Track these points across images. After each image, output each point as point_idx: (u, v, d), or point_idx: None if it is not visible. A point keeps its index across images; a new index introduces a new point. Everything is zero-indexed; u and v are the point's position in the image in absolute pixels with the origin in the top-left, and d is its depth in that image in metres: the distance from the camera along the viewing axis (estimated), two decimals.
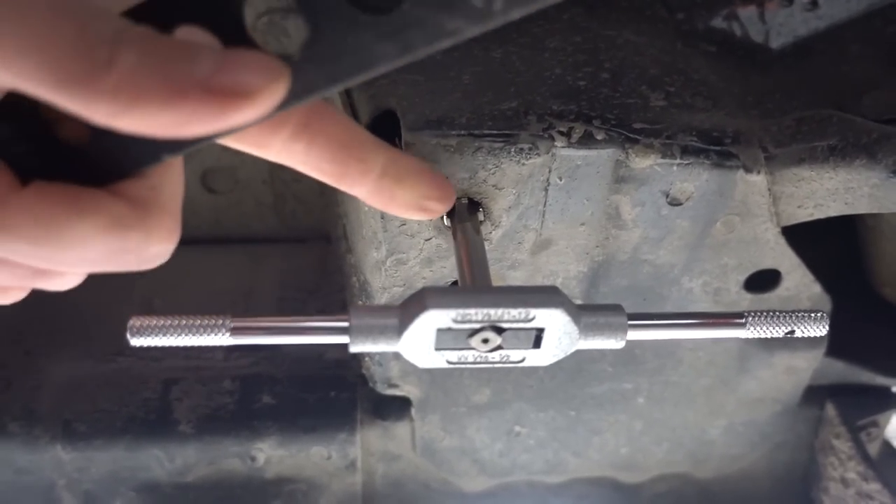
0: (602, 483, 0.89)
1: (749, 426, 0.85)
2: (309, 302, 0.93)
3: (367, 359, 0.77)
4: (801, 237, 0.70)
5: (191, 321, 0.45)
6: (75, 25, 0.28)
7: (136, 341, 0.45)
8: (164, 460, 0.79)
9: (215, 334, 0.45)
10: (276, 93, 0.32)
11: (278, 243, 0.98)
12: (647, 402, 0.81)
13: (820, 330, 0.51)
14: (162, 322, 0.45)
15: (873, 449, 0.89)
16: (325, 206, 0.92)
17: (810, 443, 0.89)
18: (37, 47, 0.27)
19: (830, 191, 0.63)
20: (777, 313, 0.51)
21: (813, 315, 0.51)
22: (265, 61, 0.32)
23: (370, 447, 0.83)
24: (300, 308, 0.91)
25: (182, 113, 0.30)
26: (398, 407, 0.80)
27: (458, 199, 0.60)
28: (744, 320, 0.50)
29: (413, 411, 0.79)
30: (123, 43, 0.29)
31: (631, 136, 0.59)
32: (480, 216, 0.61)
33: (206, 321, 0.45)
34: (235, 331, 0.46)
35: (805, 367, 0.79)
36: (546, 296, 0.46)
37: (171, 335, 0.45)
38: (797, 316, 0.51)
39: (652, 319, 0.50)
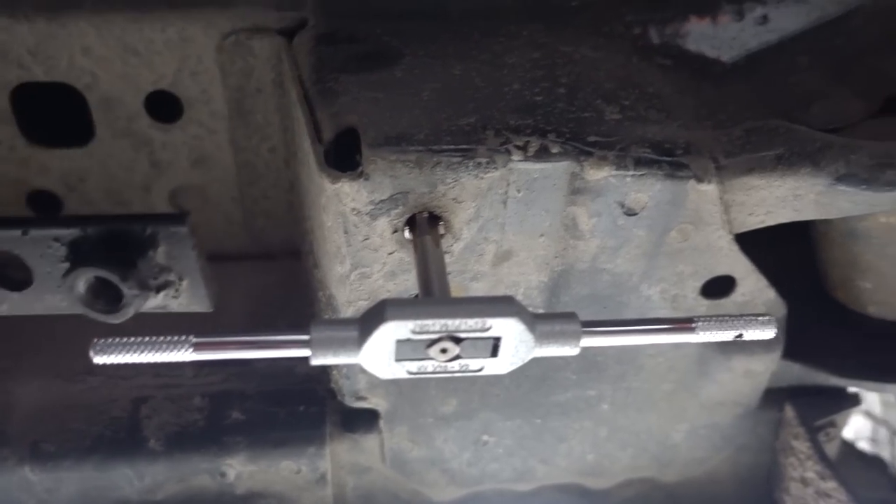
0: (570, 489, 0.90)
1: (711, 429, 0.87)
2: (279, 317, 0.93)
3: (335, 372, 0.78)
4: (759, 244, 0.72)
5: (154, 338, 0.46)
6: None
7: (99, 359, 0.46)
8: (134, 479, 0.79)
9: (178, 351, 0.46)
10: None
11: (248, 260, 0.98)
12: (611, 409, 0.83)
13: (767, 333, 0.53)
14: (126, 340, 0.46)
15: (832, 448, 0.92)
16: (294, 222, 0.93)
17: (772, 444, 0.91)
18: None
19: (779, 198, 0.65)
20: (725, 318, 0.52)
21: (760, 319, 0.53)
22: None
23: (340, 460, 0.83)
24: (270, 323, 0.92)
25: None
26: (367, 419, 0.81)
27: (419, 212, 0.61)
28: (694, 325, 0.52)
29: (382, 423, 0.80)
30: None
31: (585, 148, 0.61)
32: (441, 229, 0.62)
33: (169, 338, 0.46)
34: (198, 347, 0.47)
35: (763, 370, 0.81)
36: (501, 305, 0.48)
37: (135, 352, 0.46)
38: (745, 320, 0.53)
39: (605, 326, 0.51)
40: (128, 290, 0.54)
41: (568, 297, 0.71)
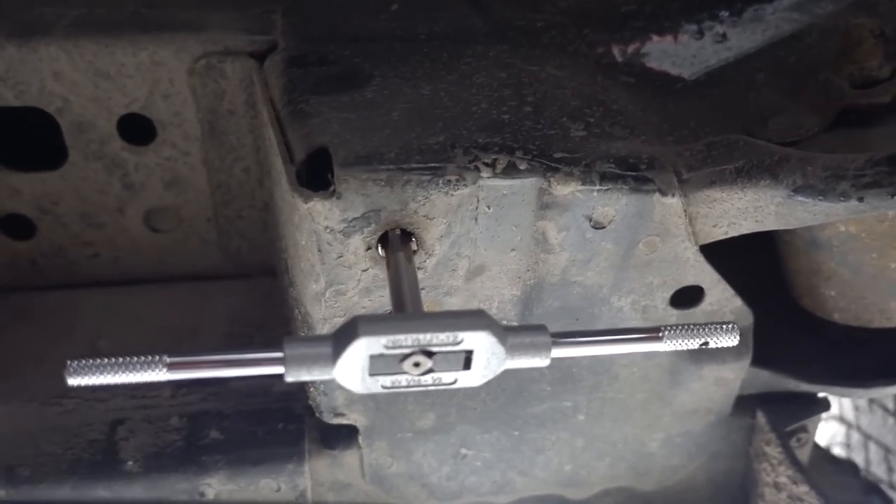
0: (549, 501, 0.91)
1: (686, 437, 0.89)
2: (256, 336, 0.94)
3: (312, 389, 0.78)
4: (728, 255, 0.74)
5: (128, 359, 0.47)
6: None
7: (73, 381, 0.46)
8: (112, 501, 0.78)
9: (152, 371, 0.47)
10: None
11: (224, 280, 0.99)
12: (587, 419, 0.84)
13: (731, 340, 0.54)
14: (99, 361, 0.47)
15: (805, 453, 0.93)
16: (270, 241, 0.94)
17: (745, 451, 0.92)
18: None
19: (741, 210, 0.67)
20: (691, 326, 0.54)
21: (724, 327, 0.54)
22: None
23: (319, 477, 0.83)
24: (248, 343, 0.92)
25: None
26: (346, 435, 0.81)
27: (392, 229, 0.62)
28: (661, 334, 0.53)
29: (360, 439, 0.81)
30: None
31: (552, 165, 0.62)
32: (414, 246, 0.63)
33: (143, 358, 0.47)
34: (172, 367, 0.47)
35: (733, 378, 0.83)
36: (472, 319, 0.49)
37: (109, 374, 0.47)
38: (710, 328, 0.54)
39: (574, 337, 0.53)
40: None
41: (541, 310, 0.72)
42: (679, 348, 0.53)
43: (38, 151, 0.86)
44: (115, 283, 0.96)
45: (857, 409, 1.49)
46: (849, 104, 0.70)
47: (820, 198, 0.64)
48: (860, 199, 0.63)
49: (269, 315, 0.96)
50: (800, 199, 0.64)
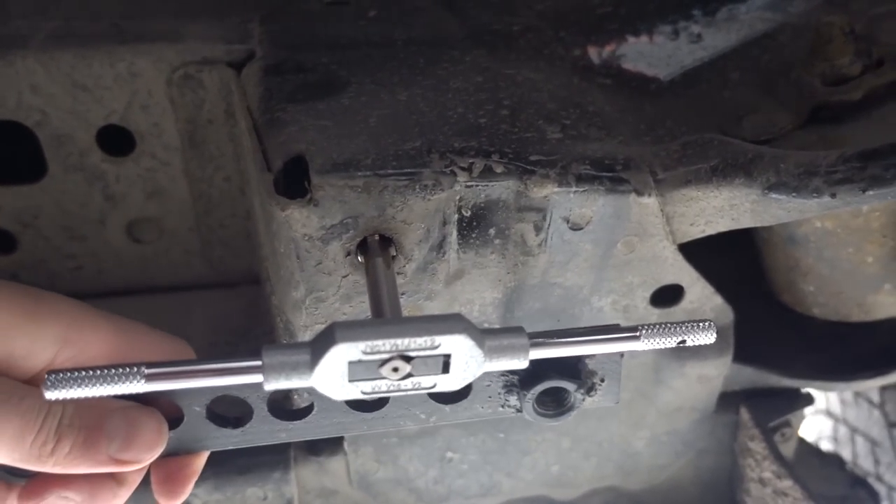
0: (537, 501, 0.91)
1: (671, 435, 0.89)
2: (241, 345, 0.93)
3: (296, 396, 0.78)
4: (709, 253, 0.74)
5: (105, 371, 0.46)
6: (34, 432, 0.48)
7: (51, 395, 0.46)
8: None
9: (130, 382, 0.47)
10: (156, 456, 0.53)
11: (208, 289, 0.99)
12: (572, 419, 0.84)
13: (708, 338, 0.54)
14: (76, 374, 0.46)
15: (790, 448, 0.94)
16: (253, 249, 0.94)
17: (731, 447, 0.93)
18: (8, 449, 0.48)
19: (717, 208, 0.68)
20: (668, 325, 0.54)
21: (701, 325, 0.54)
22: (153, 438, 0.52)
23: (306, 484, 0.83)
24: (232, 352, 0.92)
25: (96, 470, 0.51)
26: (331, 442, 0.81)
27: (370, 235, 0.62)
28: (638, 333, 0.54)
29: (346, 445, 0.81)
30: (62, 440, 0.49)
31: (528, 167, 0.63)
32: (393, 251, 0.63)
33: (121, 369, 0.47)
34: (150, 377, 0.47)
35: (716, 375, 0.83)
36: (449, 323, 0.49)
37: (87, 386, 0.46)
38: (686, 326, 0.54)
39: (552, 338, 0.53)
40: (576, 395, 0.59)
41: (522, 312, 0.73)
42: (657, 347, 0.54)
43: (18, 165, 0.85)
44: (98, 294, 0.95)
45: (843, 403, 1.50)
46: (821, 101, 0.71)
47: (793, 194, 0.64)
48: (832, 195, 0.63)
49: (254, 324, 0.95)
50: (774, 196, 0.65)
